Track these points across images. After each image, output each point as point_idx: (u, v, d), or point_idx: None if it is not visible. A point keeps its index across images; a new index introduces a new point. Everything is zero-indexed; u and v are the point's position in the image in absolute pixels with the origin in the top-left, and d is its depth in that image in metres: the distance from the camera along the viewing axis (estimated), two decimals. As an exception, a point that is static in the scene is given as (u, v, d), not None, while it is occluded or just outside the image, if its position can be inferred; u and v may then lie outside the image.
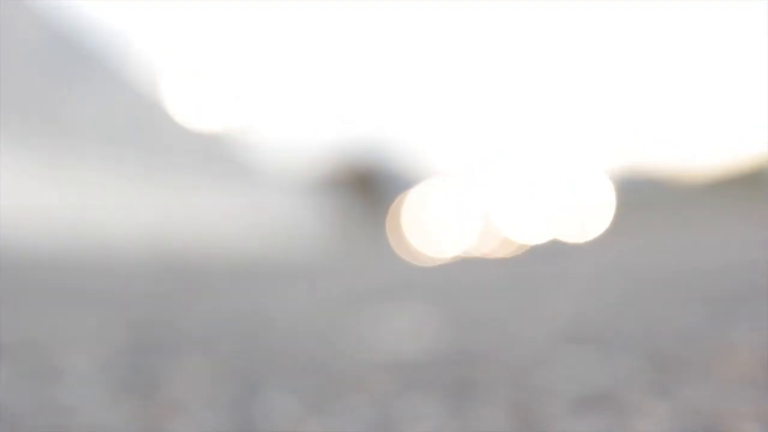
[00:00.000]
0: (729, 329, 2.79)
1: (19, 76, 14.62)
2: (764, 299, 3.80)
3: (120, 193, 16.01)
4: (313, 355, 2.52)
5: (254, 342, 2.86)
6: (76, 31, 17.25)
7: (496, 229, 25.30)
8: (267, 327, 3.33)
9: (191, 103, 20.65)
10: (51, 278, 6.71)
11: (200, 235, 16.95)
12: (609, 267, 7.80)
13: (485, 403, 1.79)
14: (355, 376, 2.15)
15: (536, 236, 24.03)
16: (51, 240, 12.17)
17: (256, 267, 9.65)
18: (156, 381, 2.10)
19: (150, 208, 16.55)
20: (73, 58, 16.76)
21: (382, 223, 27.79)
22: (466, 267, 10.35)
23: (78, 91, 16.40)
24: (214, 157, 20.86)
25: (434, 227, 26.27)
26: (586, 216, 26.00)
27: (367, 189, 29.78)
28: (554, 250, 16.45)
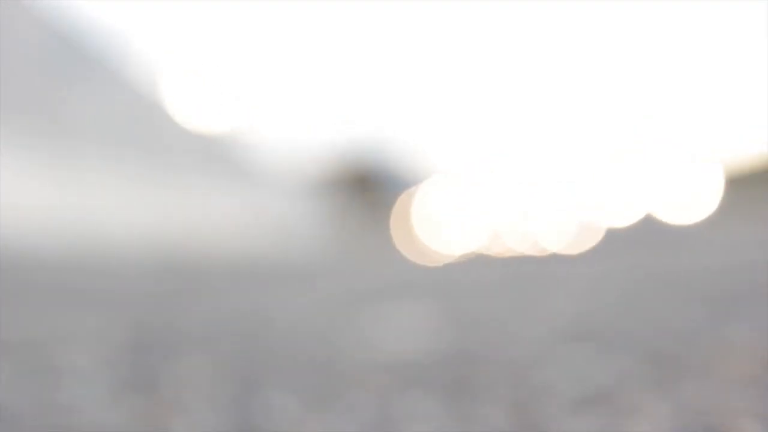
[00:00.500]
0: (729, 329, 2.79)
1: (19, 76, 14.62)
2: (764, 299, 3.80)
3: (120, 193, 16.01)
4: (313, 355, 2.53)
5: (254, 342, 2.86)
6: (76, 31, 17.25)
7: (500, 228, 25.29)
8: (267, 327, 3.33)
9: (191, 104, 20.65)
10: (51, 278, 6.71)
11: (200, 235, 16.95)
12: (609, 267, 7.81)
13: (485, 402, 1.79)
14: (355, 375, 2.15)
15: (542, 237, 24.03)
16: (51, 240, 12.17)
17: (256, 267, 9.65)
18: (156, 381, 2.11)
19: (150, 208, 16.55)
20: (73, 58, 16.76)
21: (382, 222, 27.78)
22: (467, 267, 10.35)
23: (78, 91, 16.39)
24: (214, 157, 20.85)
25: (439, 226, 26.27)
26: (587, 216, 25.98)
27: (367, 189, 29.77)
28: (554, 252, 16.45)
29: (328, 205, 26.70)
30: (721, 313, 3.32)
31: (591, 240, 21.27)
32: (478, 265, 11.23)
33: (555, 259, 11.20)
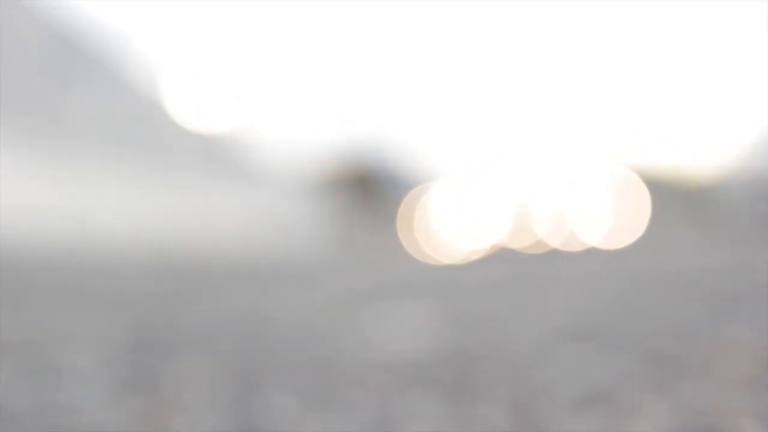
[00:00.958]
0: (729, 329, 2.79)
1: (19, 76, 14.62)
2: (764, 299, 3.80)
3: (120, 193, 16.01)
4: (313, 355, 2.53)
5: (254, 342, 2.86)
6: (76, 31, 17.25)
7: (501, 228, 25.29)
8: (267, 327, 3.33)
9: (191, 104, 20.65)
10: (51, 278, 6.71)
11: (200, 235, 16.96)
12: (609, 266, 7.81)
13: (485, 402, 1.79)
14: (355, 375, 2.15)
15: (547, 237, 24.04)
16: (51, 240, 12.17)
17: (256, 267, 9.65)
18: (156, 381, 2.11)
19: (150, 208, 16.55)
20: (73, 58, 16.76)
21: (382, 222, 27.79)
22: (467, 267, 10.35)
23: (78, 91, 16.40)
24: (214, 157, 20.86)
25: (442, 226, 26.25)
26: (587, 216, 25.98)
27: (367, 189, 29.78)
28: (555, 252, 16.46)
29: (328, 205, 26.70)
30: (721, 312, 3.32)
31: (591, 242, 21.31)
32: (478, 265, 11.23)
33: (555, 259, 11.21)
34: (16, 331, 3.18)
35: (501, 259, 13.98)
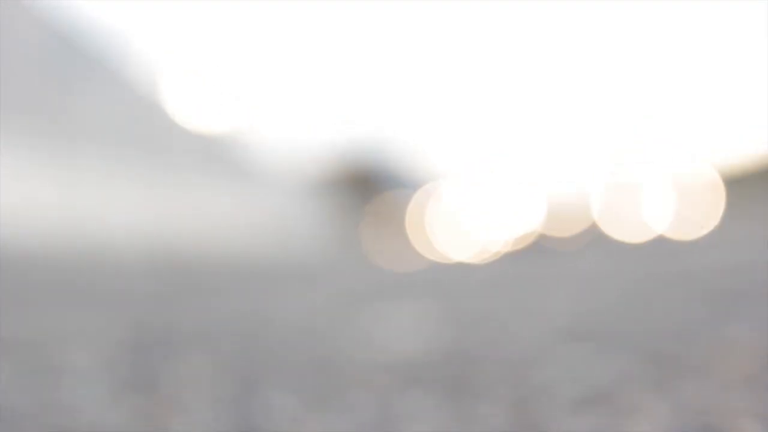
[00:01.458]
0: (728, 329, 2.79)
1: (19, 76, 14.62)
2: (764, 299, 3.80)
3: (120, 193, 16.01)
4: (313, 355, 2.53)
5: (254, 342, 2.86)
6: (76, 31, 17.25)
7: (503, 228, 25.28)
8: (267, 327, 3.33)
9: (191, 104, 20.65)
10: (51, 278, 6.71)
11: (200, 235, 16.95)
12: (609, 267, 7.81)
13: (485, 402, 1.79)
14: (355, 375, 2.15)
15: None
16: (51, 240, 12.17)
17: (256, 267, 9.65)
18: (156, 380, 2.11)
19: (150, 208, 16.55)
20: (73, 58, 16.76)
21: (382, 222, 27.78)
22: (468, 266, 10.34)
23: (78, 91, 16.39)
24: (214, 157, 20.85)
25: (443, 227, 26.25)
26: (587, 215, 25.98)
27: (367, 189, 29.77)
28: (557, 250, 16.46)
29: (328, 205, 26.69)
30: (721, 312, 3.32)
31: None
32: (479, 264, 11.23)
33: (555, 258, 11.20)
34: (16, 331, 3.18)
35: (501, 258, 13.97)
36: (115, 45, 18.63)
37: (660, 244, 15.98)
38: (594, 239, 21.26)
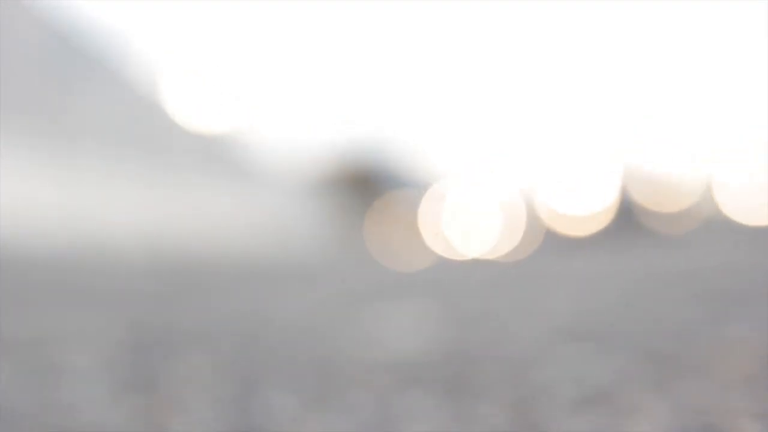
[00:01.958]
0: (728, 328, 2.80)
1: (19, 76, 14.62)
2: (764, 299, 3.81)
3: (120, 193, 16.01)
4: (312, 355, 2.53)
5: (254, 341, 2.86)
6: (76, 31, 17.25)
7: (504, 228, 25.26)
8: (267, 326, 3.33)
9: (191, 104, 20.65)
10: (51, 278, 6.71)
11: (200, 234, 16.96)
12: (609, 267, 7.81)
13: (485, 401, 1.79)
14: (355, 375, 2.15)
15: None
16: (51, 240, 12.17)
17: (256, 267, 9.65)
18: (156, 380, 2.11)
19: (150, 208, 16.55)
20: (73, 58, 16.76)
21: (381, 222, 27.79)
22: (468, 266, 10.35)
23: (78, 91, 16.40)
24: (214, 157, 20.85)
25: (444, 226, 26.23)
26: (586, 214, 25.97)
27: (368, 189, 29.77)
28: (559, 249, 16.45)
29: (328, 205, 26.69)
30: (721, 312, 3.32)
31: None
32: (479, 264, 11.23)
33: (556, 258, 11.20)
34: (16, 331, 3.18)
35: (502, 258, 13.97)
36: (115, 45, 18.63)
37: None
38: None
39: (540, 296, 4.63)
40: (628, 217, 23.21)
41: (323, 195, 27.12)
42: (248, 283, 6.60)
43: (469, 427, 1.58)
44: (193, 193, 18.89)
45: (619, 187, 24.60)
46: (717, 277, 5.33)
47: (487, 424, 1.60)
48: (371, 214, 28.50)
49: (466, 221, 26.17)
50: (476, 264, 11.47)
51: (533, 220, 24.97)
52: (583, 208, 24.19)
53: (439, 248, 22.33)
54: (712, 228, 18.04)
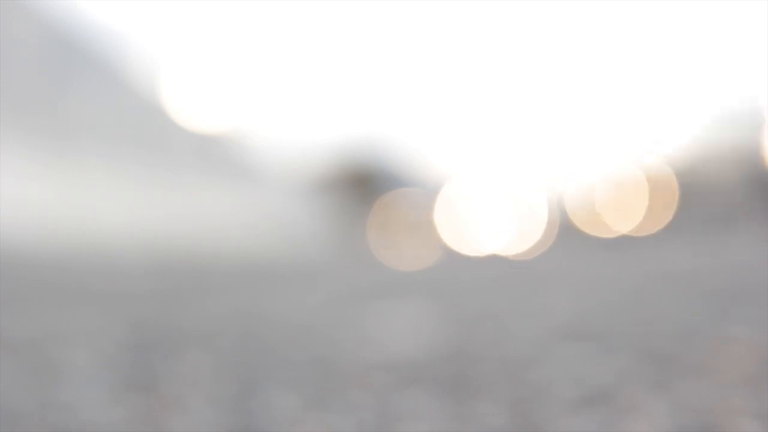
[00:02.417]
0: (728, 328, 2.80)
1: (19, 76, 14.62)
2: (764, 298, 3.81)
3: (120, 192, 16.01)
4: (312, 354, 2.53)
5: (254, 340, 2.87)
6: (76, 31, 17.25)
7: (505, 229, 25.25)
8: (267, 326, 3.33)
9: (191, 104, 20.65)
10: (51, 278, 6.71)
11: (200, 234, 16.96)
12: (609, 265, 7.81)
13: (484, 401, 1.79)
14: (355, 374, 2.15)
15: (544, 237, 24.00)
16: (51, 240, 12.17)
17: (256, 267, 9.65)
18: (156, 379, 2.11)
19: (150, 208, 16.55)
20: (73, 58, 16.76)
21: (381, 222, 27.79)
22: (468, 266, 10.34)
23: (78, 91, 16.39)
24: (214, 157, 20.86)
25: (447, 226, 26.23)
26: (591, 214, 25.96)
27: (367, 189, 29.78)
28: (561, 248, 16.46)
29: (328, 204, 26.69)
30: (720, 312, 3.33)
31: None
32: (478, 264, 11.23)
33: (555, 258, 11.21)
34: (16, 330, 3.18)
35: (502, 257, 13.97)
36: (115, 45, 18.63)
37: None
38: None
39: (540, 296, 4.63)
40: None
41: (323, 195, 27.13)
42: (248, 283, 6.60)
43: (469, 427, 1.59)
44: (193, 192, 18.89)
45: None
46: (717, 277, 5.33)
47: (487, 424, 1.60)
48: (371, 214, 28.50)
49: (480, 218, 26.17)
50: (479, 263, 11.47)
51: (551, 217, 24.97)
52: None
53: (443, 246, 22.31)
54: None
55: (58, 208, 13.71)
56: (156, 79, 19.89)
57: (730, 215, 22.58)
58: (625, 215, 24.18)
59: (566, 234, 21.89)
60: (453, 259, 14.98)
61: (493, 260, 13.10)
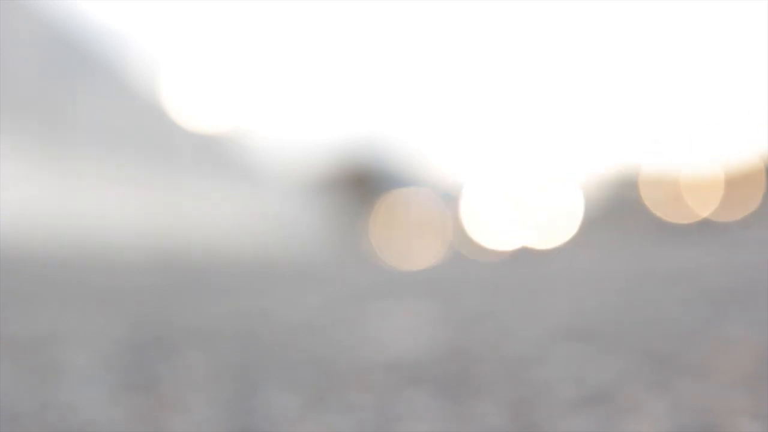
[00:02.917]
0: (728, 328, 2.79)
1: (19, 76, 14.63)
2: (764, 298, 3.80)
3: (119, 192, 16.01)
4: (312, 354, 2.53)
5: (254, 340, 2.86)
6: (76, 31, 17.25)
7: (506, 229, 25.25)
8: (267, 325, 3.33)
9: (191, 104, 20.65)
10: (52, 277, 6.71)
11: (200, 234, 16.96)
12: (609, 265, 7.80)
13: (484, 401, 1.79)
14: (355, 374, 2.15)
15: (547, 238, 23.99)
16: (51, 239, 12.17)
17: (256, 267, 9.65)
18: (156, 379, 2.11)
19: (150, 208, 16.55)
20: (73, 58, 16.77)
21: (381, 222, 27.79)
22: (468, 266, 10.34)
23: (78, 91, 16.40)
24: (214, 157, 20.86)
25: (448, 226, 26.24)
26: (588, 214, 25.97)
27: (367, 189, 29.79)
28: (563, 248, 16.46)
29: (328, 204, 26.70)
30: (721, 311, 3.32)
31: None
32: (478, 264, 11.23)
33: (555, 258, 11.20)
34: (16, 330, 3.18)
35: (506, 258, 13.97)
36: (115, 45, 18.63)
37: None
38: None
39: (540, 296, 4.63)
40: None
41: (323, 195, 27.14)
42: (248, 283, 6.60)
43: (469, 427, 1.58)
44: (193, 192, 18.90)
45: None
46: (717, 276, 5.33)
47: (487, 424, 1.60)
48: (371, 213, 28.51)
49: (507, 212, 26.17)
50: (477, 263, 11.47)
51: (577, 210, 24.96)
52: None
53: (446, 245, 22.31)
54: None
55: (58, 207, 13.71)
56: (156, 79, 19.89)
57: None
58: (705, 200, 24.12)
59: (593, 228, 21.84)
60: (454, 259, 14.99)
61: (501, 259, 13.11)
